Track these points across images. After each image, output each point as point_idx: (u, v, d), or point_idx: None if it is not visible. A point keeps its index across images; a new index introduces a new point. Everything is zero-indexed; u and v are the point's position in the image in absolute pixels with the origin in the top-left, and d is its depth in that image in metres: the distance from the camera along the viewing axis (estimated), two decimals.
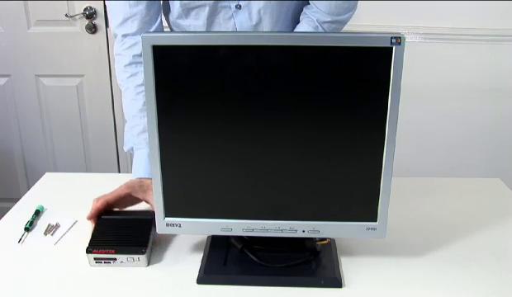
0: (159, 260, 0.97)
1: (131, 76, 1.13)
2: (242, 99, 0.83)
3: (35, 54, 2.20)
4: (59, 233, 1.06)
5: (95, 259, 0.94)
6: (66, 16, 2.12)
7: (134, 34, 1.13)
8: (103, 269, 0.94)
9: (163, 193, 0.89)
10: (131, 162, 1.15)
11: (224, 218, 0.90)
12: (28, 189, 1.27)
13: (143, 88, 1.10)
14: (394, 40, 0.78)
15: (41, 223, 1.09)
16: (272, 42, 0.80)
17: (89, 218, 1.00)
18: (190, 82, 0.82)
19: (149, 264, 0.95)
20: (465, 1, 2.00)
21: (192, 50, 0.81)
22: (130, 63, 1.13)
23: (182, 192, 0.89)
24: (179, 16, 1.20)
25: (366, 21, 1.92)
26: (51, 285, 0.90)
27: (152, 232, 0.98)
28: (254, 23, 1.17)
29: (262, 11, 1.16)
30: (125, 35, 1.14)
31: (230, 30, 1.18)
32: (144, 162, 1.09)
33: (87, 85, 2.24)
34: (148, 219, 1.00)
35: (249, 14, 1.16)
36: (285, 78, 0.81)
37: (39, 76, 2.24)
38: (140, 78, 1.12)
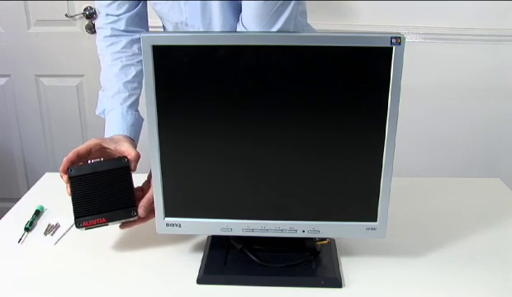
0: (159, 260, 0.97)
1: (111, 45, 1.17)
2: (242, 99, 0.83)
3: (35, 54, 2.20)
4: (59, 233, 1.06)
5: (86, 229, 0.93)
6: (66, 16, 2.12)
7: (117, 15, 1.17)
8: (103, 269, 0.94)
9: (163, 193, 0.89)
10: None
11: (224, 218, 0.90)
12: (28, 189, 1.27)
13: (120, 55, 1.16)
14: (394, 40, 0.78)
15: (41, 223, 1.09)
16: (272, 42, 0.80)
17: (62, 171, 0.95)
18: (190, 82, 0.82)
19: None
20: (465, 1, 2.00)
21: (192, 50, 0.81)
22: (111, 35, 1.18)
23: (182, 192, 0.89)
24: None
25: (366, 21, 1.92)
26: (51, 285, 0.90)
27: (132, 181, 0.96)
28: None
29: None
30: (108, 14, 1.18)
31: None
32: (117, 121, 1.08)
33: (87, 85, 2.24)
34: (122, 167, 0.96)
35: None
36: (285, 78, 0.81)
37: (39, 76, 2.24)
38: (118, 47, 1.16)
